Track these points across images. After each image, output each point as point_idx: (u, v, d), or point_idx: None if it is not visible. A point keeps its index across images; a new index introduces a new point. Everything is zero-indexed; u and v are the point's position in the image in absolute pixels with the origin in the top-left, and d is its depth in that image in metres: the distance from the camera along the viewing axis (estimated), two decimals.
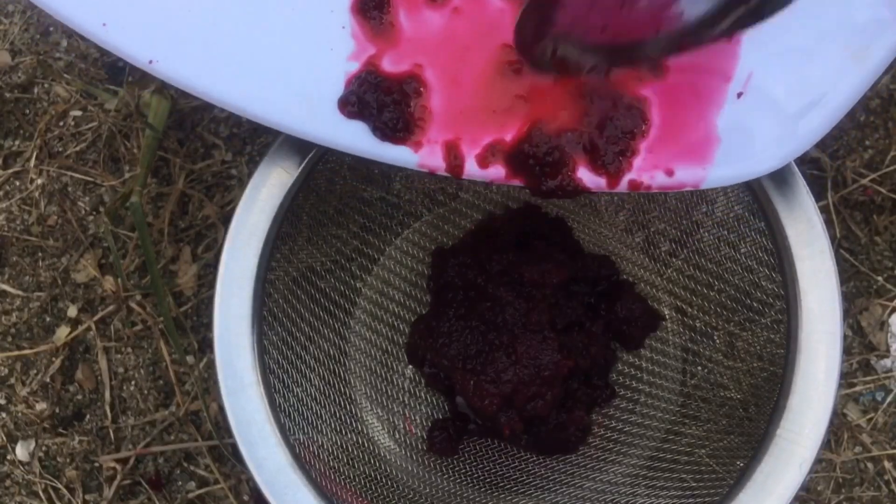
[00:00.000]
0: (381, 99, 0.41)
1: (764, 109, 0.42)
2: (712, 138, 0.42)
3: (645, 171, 0.41)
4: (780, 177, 0.45)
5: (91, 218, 0.65)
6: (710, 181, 0.42)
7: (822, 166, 0.64)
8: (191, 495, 0.61)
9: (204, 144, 0.66)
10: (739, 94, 0.42)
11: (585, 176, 0.41)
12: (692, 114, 0.42)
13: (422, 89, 0.41)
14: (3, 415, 0.63)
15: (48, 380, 0.63)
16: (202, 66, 0.41)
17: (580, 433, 0.52)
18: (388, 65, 0.42)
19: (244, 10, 0.41)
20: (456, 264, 0.51)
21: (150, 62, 0.41)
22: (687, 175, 0.42)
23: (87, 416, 0.63)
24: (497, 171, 0.41)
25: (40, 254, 0.65)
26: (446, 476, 0.54)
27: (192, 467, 0.62)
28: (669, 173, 0.42)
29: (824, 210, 0.63)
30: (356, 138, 0.41)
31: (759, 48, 0.42)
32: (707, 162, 0.42)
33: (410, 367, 0.56)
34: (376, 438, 0.55)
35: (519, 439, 0.53)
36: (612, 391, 0.55)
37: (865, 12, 0.41)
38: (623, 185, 0.42)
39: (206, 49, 0.41)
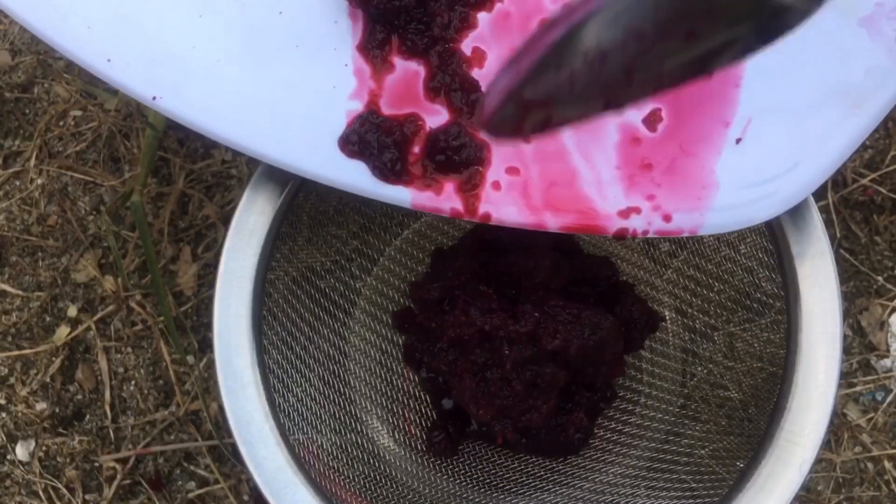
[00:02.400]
0: (381, 140, 0.41)
1: (763, 156, 0.42)
2: (711, 184, 0.41)
3: (643, 215, 0.41)
4: None
5: (91, 218, 0.65)
6: (707, 227, 0.42)
7: None
8: (191, 495, 0.61)
9: (204, 144, 0.66)
10: (738, 140, 0.41)
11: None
12: (691, 159, 0.42)
13: (421, 130, 0.41)
14: (3, 415, 0.63)
15: (48, 380, 0.63)
16: (204, 104, 0.41)
17: (583, 434, 0.52)
18: (388, 105, 0.42)
19: (247, 48, 0.42)
20: (454, 268, 0.50)
21: (154, 98, 0.41)
22: (685, 221, 0.41)
23: (87, 416, 0.63)
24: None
25: (40, 254, 0.65)
26: (446, 476, 0.54)
27: (192, 467, 0.62)
28: (667, 219, 0.41)
29: (824, 210, 0.63)
30: (355, 177, 0.41)
31: (758, 94, 0.42)
32: (705, 208, 0.41)
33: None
34: (376, 438, 0.55)
35: (516, 445, 0.53)
36: (612, 392, 0.55)
37: (866, 61, 0.41)
38: (619, 232, 0.42)
39: (208, 86, 0.41)
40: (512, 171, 0.42)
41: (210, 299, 0.44)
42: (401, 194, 0.41)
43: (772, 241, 0.47)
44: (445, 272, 0.49)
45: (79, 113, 0.67)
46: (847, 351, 0.62)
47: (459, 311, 0.46)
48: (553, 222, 0.41)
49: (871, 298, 0.63)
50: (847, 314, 0.62)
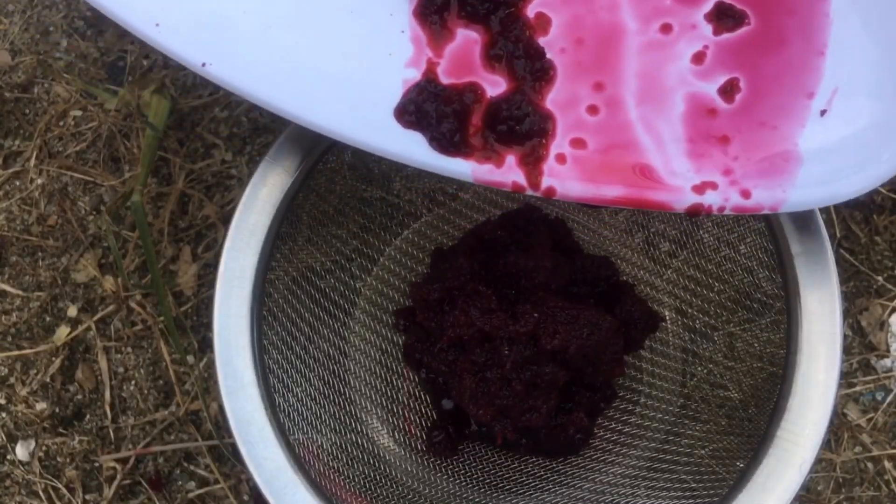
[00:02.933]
0: (440, 109, 0.39)
1: (850, 128, 0.39)
2: (794, 158, 0.39)
3: (720, 190, 0.39)
4: None
5: (91, 218, 0.65)
6: (790, 204, 0.39)
7: None
8: (191, 495, 0.61)
9: (204, 144, 0.66)
10: (823, 112, 0.39)
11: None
12: (771, 132, 0.39)
13: (481, 100, 0.40)
14: (3, 415, 0.63)
15: (48, 380, 0.63)
16: (255, 71, 0.40)
17: (583, 434, 0.52)
18: (446, 74, 0.40)
19: (299, 13, 0.40)
20: (454, 268, 0.50)
21: (203, 65, 0.40)
22: (765, 197, 0.39)
23: (87, 416, 0.63)
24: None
25: (40, 254, 0.65)
26: (446, 476, 0.54)
27: (192, 467, 0.62)
28: (746, 195, 0.39)
29: (824, 210, 0.63)
30: (412, 149, 0.40)
31: (845, 62, 0.40)
32: (788, 184, 0.39)
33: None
34: (376, 438, 0.55)
35: (517, 445, 0.53)
36: (612, 392, 0.55)
37: None
38: (692, 208, 0.39)
39: (259, 53, 0.40)
40: (576, 143, 0.40)
41: (210, 299, 0.44)
42: (460, 167, 0.39)
43: (772, 241, 0.47)
44: (445, 272, 0.49)
45: (79, 113, 0.67)
46: (847, 351, 0.62)
47: (459, 311, 0.46)
48: (618, 197, 0.39)
49: (871, 298, 0.63)
50: (847, 314, 0.62)
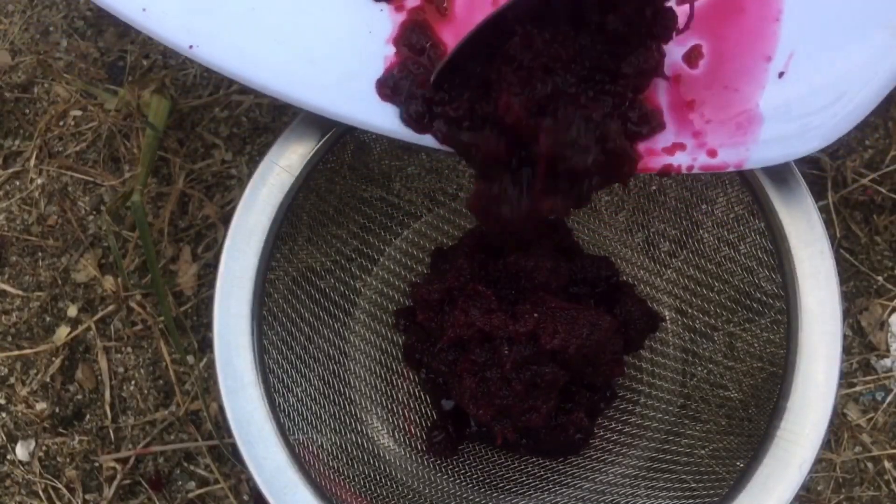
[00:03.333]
0: (412, 91, 0.41)
1: (806, 89, 0.41)
2: (755, 118, 0.41)
3: (688, 151, 0.41)
4: (779, 177, 0.45)
5: (91, 218, 0.65)
6: (752, 161, 0.42)
7: (822, 166, 0.64)
8: (191, 495, 0.61)
9: (204, 144, 0.66)
10: (781, 74, 0.41)
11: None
12: (734, 94, 0.41)
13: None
14: (3, 415, 0.63)
15: (48, 380, 0.63)
16: (241, 52, 0.41)
17: (583, 434, 0.52)
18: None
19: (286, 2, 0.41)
20: (454, 268, 0.50)
21: (191, 47, 0.41)
22: (730, 155, 0.41)
23: (87, 416, 0.63)
24: None
25: (40, 254, 0.65)
26: (446, 476, 0.54)
27: (192, 467, 0.62)
28: (712, 154, 0.41)
29: (824, 210, 0.63)
30: (389, 121, 0.41)
31: (799, 27, 0.41)
32: (750, 142, 0.41)
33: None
34: (376, 438, 0.55)
35: (516, 446, 0.53)
36: (612, 392, 0.55)
37: None
38: (664, 168, 0.41)
39: (244, 34, 0.41)
40: None
41: (210, 299, 0.44)
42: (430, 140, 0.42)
43: (772, 241, 0.47)
44: (445, 272, 0.49)
45: (79, 113, 0.67)
46: (847, 351, 0.62)
47: (459, 311, 0.46)
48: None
49: (871, 298, 0.63)
50: (847, 314, 0.62)
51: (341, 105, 0.41)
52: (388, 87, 0.41)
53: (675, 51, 0.42)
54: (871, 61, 0.41)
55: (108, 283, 0.64)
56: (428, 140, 0.41)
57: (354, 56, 0.41)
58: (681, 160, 0.41)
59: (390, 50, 0.41)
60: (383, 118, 0.41)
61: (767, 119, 0.41)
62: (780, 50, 0.41)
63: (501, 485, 0.54)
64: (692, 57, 0.42)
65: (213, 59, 0.41)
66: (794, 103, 0.41)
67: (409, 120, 0.41)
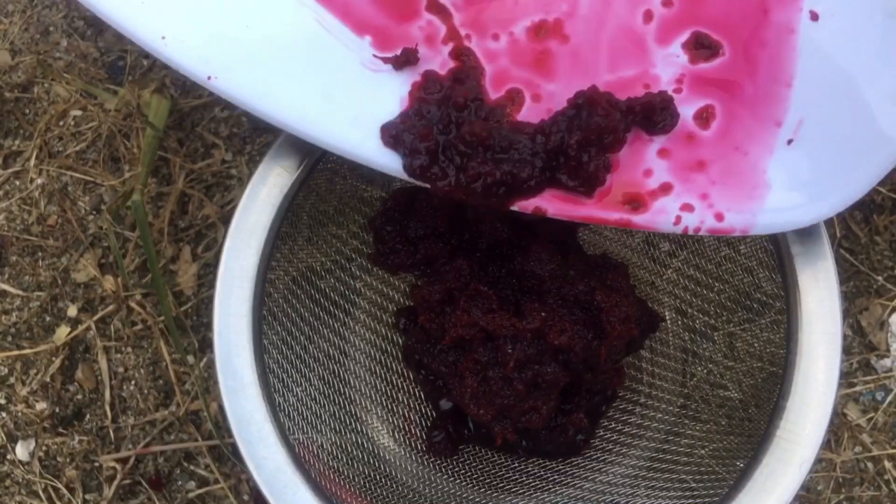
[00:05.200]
0: (415, 146, 0.41)
1: (814, 158, 0.42)
2: (762, 184, 0.41)
3: (696, 213, 0.42)
4: None
5: (91, 218, 0.65)
6: (758, 228, 0.42)
7: None
8: (191, 495, 0.61)
9: (204, 144, 0.66)
10: (790, 141, 0.42)
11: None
12: (743, 158, 0.42)
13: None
14: (3, 414, 0.63)
15: (48, 379, 0.63)
16: (259, 84, 0.41)
17: (583, 435, 0.52)
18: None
19: (298, 28, 0.41)
20: (454, 269, 0.50)
21: (209, 78, 0.41)
22: (736, 220, 0.41)
23: (87, 416, 0.63)
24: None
25: (40, 253, 0.65)
26: (446, 476, 0.54)
27: (192, 467, 0.62)
28: (720, 218, 0.41)
29: None
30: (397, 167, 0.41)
31: (810, 94, 0.42)
32: (757, 209, 0.41)
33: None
34: (376, 438, 0.55)
35: (515, 448, 0.53)
36: (612, 393, 0.55)
37: None
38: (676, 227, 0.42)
39: (263, 65, 0.41)
40: None
41: (210, 299, 0.44)
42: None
43: (772, 241, 0.47)
44: (446, 273, 0.49)
45: (79, 113, 0.67)
46: (847, 351, 0.62)
47: (461, 311, 0.46)
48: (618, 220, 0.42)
49: (871, 298, 0.63)
50: (847, 314, 0.62)
51: (356, 146, 0.41)
52: (391, 136, 0.41)
53: (687, 111, 0.42)
54: (881, 137, 0.41)
55: (108, 282, 0.64)
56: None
57: (370, 96, 0.41)
58: (688, 221, 0.41)
59: (406, 90, 0.41)
60: (394, 161, 0.41)
61: (775, 186, 0.41)
62: (791, 116, 0.42)
63: (501, 485, 0.54)
64: (704, 117, 0.42)
65: (230, 91, 0.41)
66: (801, 171, 0.42)
67: (413, 171, 0.41)
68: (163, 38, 0.41)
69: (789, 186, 0.42)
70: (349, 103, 0.41)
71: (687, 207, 0.41)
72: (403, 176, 0.41)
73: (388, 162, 0.41)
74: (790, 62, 0.42)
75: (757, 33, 0.42)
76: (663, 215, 0.41)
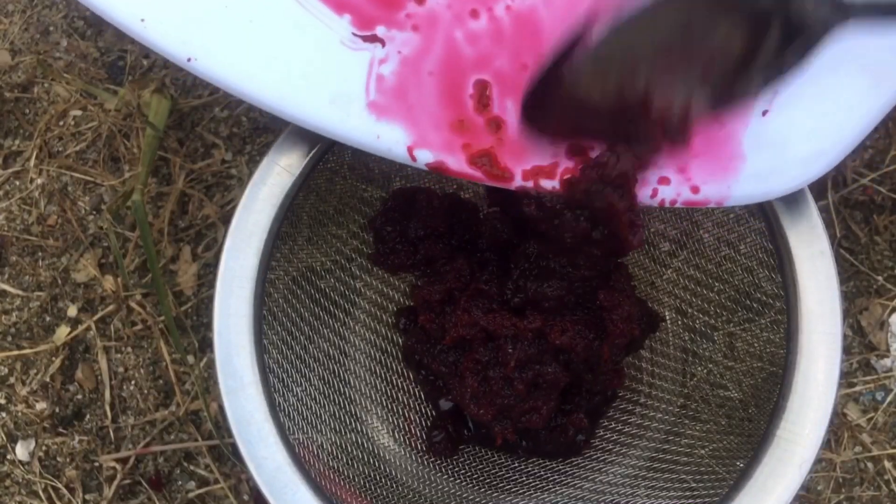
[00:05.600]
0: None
1: (788, 128, 0.42)
2: (738, 156, 0.42)
3: (672, 185, 0.42)
4: None
5: (91, 218, 0.65)
6: (734, 199, 0.42)
7: None
8: (191, 495, 0.61)
9: (204, 144, 0.66)
10: (765, 112, 0.42)
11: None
12: (722, 130, 0.42)
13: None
14: (3, 414, 0.63)
15: (48, 379, 0.63)
16: (239, 64, 0.41)
17: (583, 435, 0.52)
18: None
19: (281, 10, 0.42)
20: (454, 269, 0.51)
21: (189, 60, 0.41)
22: (712, 192, 0.42)
23: (87, 416, 0.63)
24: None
25: (40, 253, 0.65)
26: (446, 476, 0.54)
27: (192, 467, 0.62)
28: (695, 190, 0.42)
29: (824, 210, 0.63)
30: (389, 141, 0.42)
31: None
32: (732, 180, 0.42)
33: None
34: (376, 438, 0.55)
35: (514, 449, 0.53)
36: (612, 393, 0.55)
37: (890, 39, 0.41)
38: (652, 200, 0.42)
39: (242, 46, 0.41)
40: None
41: (210, 299, 0.44)
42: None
43: (772, 241, 0.47)
44: (446, 273, 0.49)
45: (79, 113, 0.67)
46: (847, 351, 0.62)
47: (462, 311, 0.46)
48: None
49: (871, 298, 0.63)
50: (847, 314, 0.62)
51: (336, 124, 0.42)
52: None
53: None
54: (852, 104, 0.42)
55: (108, 282, 0.64)
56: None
57: (349, 74, 0.42)
58: (664, 194, 0.42)
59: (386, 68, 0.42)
60: (372, 138, 0.42)
61: (749, 157, 0.42)
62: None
63: (501, 485, 0.54)
64: None
65: (209, 73, 0.41)
66: (775, 142, 0.42)
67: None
68: (142, 20, 0.41)
69: (763, 157, 0.42)
70: (328, 81, 0.41)
71: (664, 180, 0.42)
72: (381, 152, 0.42)
73: (368, 139, 0.42)
74: None
75: None
76: (642, 188, 0.42)
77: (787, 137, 0.42)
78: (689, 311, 0.56)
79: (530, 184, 0.42)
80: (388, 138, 0.42)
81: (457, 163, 0.42)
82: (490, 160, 0.42)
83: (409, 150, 0.42)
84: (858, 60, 0.42)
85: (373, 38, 0.42)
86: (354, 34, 0.42)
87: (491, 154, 0.42)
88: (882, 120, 0.43)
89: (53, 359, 0.63)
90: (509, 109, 0.42)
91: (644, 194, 0.42)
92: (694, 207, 0.46)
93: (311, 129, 0.42)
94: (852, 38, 0.40)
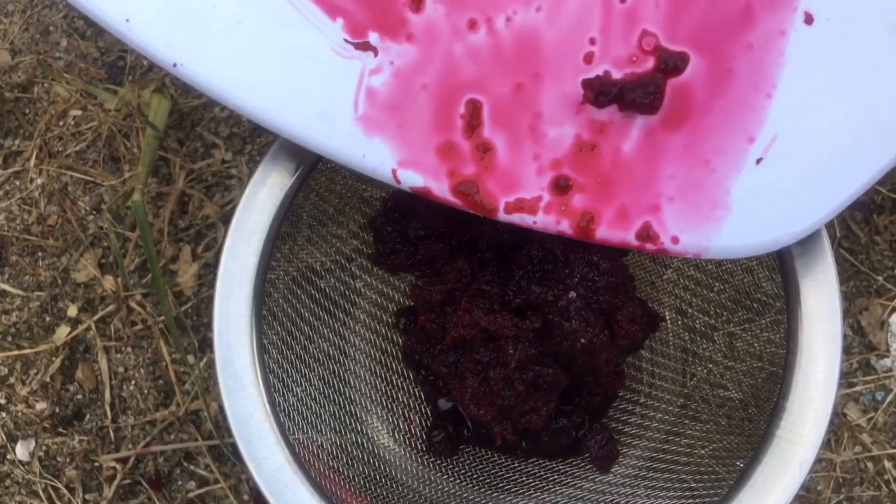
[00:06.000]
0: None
1: (781, 180, 0.39)
2: (724, 206, 0.39)
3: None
4: None
5: (91, 218, 0.65)
6: (712, 252, 0.40)
7: None
8: (191, 495, 0.61)
9: (204, 144, 0.66)
10: (759, 161, 0.39)
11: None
12: (712, 175, 0.39)
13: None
14: (3, 414, 0.63)
15: (48, 379, 0.63)
16: (229, 71, 0.40)
17: (585, 434, 0.52)
18: None
19: (272, 12, 0.40)
20: (455, 269, 0.51)
21: (175, 65, 0.40)
22: (691, 243, 0.40)
23: (87, 416, 0.63)
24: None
25: (40, 253, 0.65)
26: (446, 476, 0.54)
27: (192, 467, 0.62)
28: (675, 241, 0.40)
29: None
30: (375, 160, 0.40)
31: (789, 109, 0.39)
32: (714, 232, 0.40)
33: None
34: (376, 438, 0.55)
35: (514, 449, 0.53)
36: (612, 394, 0.55)
37: None
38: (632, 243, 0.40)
39: (232, 52, 0.40)
40: None
41: (210, 299, 0.44)
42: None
43: None
44: (446, 273, 0.49)
45: (79, 113, 0.67)
46: (847, 351, 0.62)
47: (463, 311, 0.46)
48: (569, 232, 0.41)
49: (871, 298, 0.63)
50: (847, 314, 0.62)
51: (318, 137, 0.40)
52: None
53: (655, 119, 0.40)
54: (850, 164, 0.39)
55: (108, 282, 0.64)
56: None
57: (339, 84, 0.40)
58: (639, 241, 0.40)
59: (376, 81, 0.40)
60: (358, 156, 0.40)
61: (735, 210, 0.39)
62: (765, 131, 0.39)
63: (501, 485, 0.54)
64: (674, 122, 0.40)
65: (197, 78, 0.40)
66: (766, 196, 0.39)
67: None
68: (127, 20, 0.39)
69: (750, 212, 0.40)
70: (317, 92, 0.40)
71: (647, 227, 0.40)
72: (366, 171, 0.40)
73: (354, 157, 0.40)
74: (774, 70, 0.39)
75: (740, 36, 0.39)
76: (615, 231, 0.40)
77: (779, 193, 0.39)
78: (689, 311, 0.56)
79: (515, 217, 0.40)
80: (374, 157, 0.40)
81: (440, 189, 0.40)
82: (475, 188, 0.40)
83: (394, 172, 0.40)
84: (865, 115, 0.39)
85: (365, 46, 0.40)
86: (346, 41, 0.40)
87: (475, 183, 0.40)
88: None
89: (53, 359, 0.63)
90: (499, 134, 0.40)
91: (616, 236, 0.40)
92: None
93: (298, 142, 0.41)
94: (866, 86, 0.37)
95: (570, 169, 0.40)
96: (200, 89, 0.40)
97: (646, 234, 0.40)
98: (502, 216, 0.40)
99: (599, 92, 0.39)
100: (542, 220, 0.41)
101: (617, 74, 0.39)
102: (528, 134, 0.40)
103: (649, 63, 0.39)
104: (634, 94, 0.39)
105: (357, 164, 0.41)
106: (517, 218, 0.40)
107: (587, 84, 0.39)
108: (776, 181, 0.39)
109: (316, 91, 0.40)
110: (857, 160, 0.39)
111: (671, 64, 0.39)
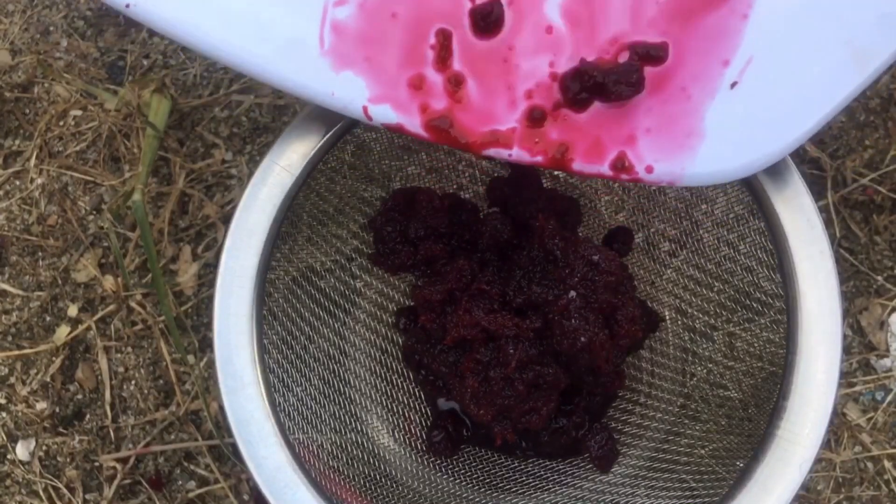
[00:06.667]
0: None
1: (755, 104, 0.39)
2: (698, 134, 0.39)
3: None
4: (779, 176, 0.45)
5: (91, 218, 0.65)
6: (686, 180, 0.40)
7: (821, 166, 0.64)
8: (191, 495, 0.61)
9: (204, 144, 0.66)
10: (733, 84, 0.39)
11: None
12: (687, 102, 0.39)
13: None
14: (4, 414, 0.63)
15: (48, 379, 0.63)
16: (182, 9, 0.38)
17: (585, 434, 0.52)
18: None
19: None
20: (455, 269, 0.51)
21: (128, 6, 0.38)
22: (665, 172, 0.40)
23: (87, 416, 0.63)
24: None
25: (40, 253, 0.65)
26: (446, 476, 0.54)
27: (192, 467, 0.62)
28: (649, 170, 0.39)
29: (824, 210, 0.63)
30: (348, 94, 0.39)
31: (764, 29, 0.38)
32: (689, 159, 0.39)
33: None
34: (376, 438, 0.55)
35: (514, 449, 0.53)
36: (612, 394, 0.55)
37: (877, 9, 0.38)
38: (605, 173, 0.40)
39: None
40: None
41: (210, 299, 0.44)
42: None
43: (772, 240, 0.47)
44: (447, 273, 0.49)
45: (79, 113, 0.67)
46: (847, 351, 0.62)
47: (463, 311, 0.46)
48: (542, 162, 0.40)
49: (871, 298, 0.63)
50: (847, 314, 0.62)
51: (284, 74, 0.39)
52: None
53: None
54: (825, 83, 0.39)
55: (109, 282, 0.64)
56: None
57: (296, 17, 0.38)
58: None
59: (340, 13, 0.38)
60: (328, 93, 0.39)
61: (709, 136, 0.39)
62: (740, 53, 0.38)
63: (501, 485, 0.54)
64: (654, 58, 0.39)
65: (149, 18, 0.38)
66: (739, 121, 0.39)
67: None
68: None
69: (723, 138, 0.39)
70: (279, 27, 0.39)
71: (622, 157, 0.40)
72: (337, 109, 0.39)
73: (323, 94, 0.39)
74: None
75: None
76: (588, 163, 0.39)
77: (752, 116, 0.39)
78: (689, 311, 0.56)
79: (490, 151, 0.39)
80: (344, 94, 0.39)
81: (413, 125, 0.39)
82: (448, 122, 0.39)
83: (365, 109, 0.39)
84: (841, 34, 0.38)
85: None
86: None
87: (448, 117, 0.39)
88: (882, 119, 0.42)
89: (54, 359, 0.63)
90: (471, 66, 0.39)
91: (592, 168, 0.39)
92: (657, 187, 0.43)
93: (263, 81, 0.39)
94: (837, 10, 0.37)
95: (543, 100, 0.40)
96: (156, 29, 0.39)
97: (620, 164, 0.40)
98: (477, 150, 0.40)
99: (581, 88, 0.39)
100: (517, 153, 0.40)
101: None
102: (500, 65, 0.39)
103: None
104: (615, 83, 0.38)
105: (327, 101, 0.39)
106: (493, 152, 0.40)
107: (563, 87, 0.39)
108: (750, 105, 0.39)
109: (278, 25, 0.39)
110: (831, 81, 0.39)
111: None
